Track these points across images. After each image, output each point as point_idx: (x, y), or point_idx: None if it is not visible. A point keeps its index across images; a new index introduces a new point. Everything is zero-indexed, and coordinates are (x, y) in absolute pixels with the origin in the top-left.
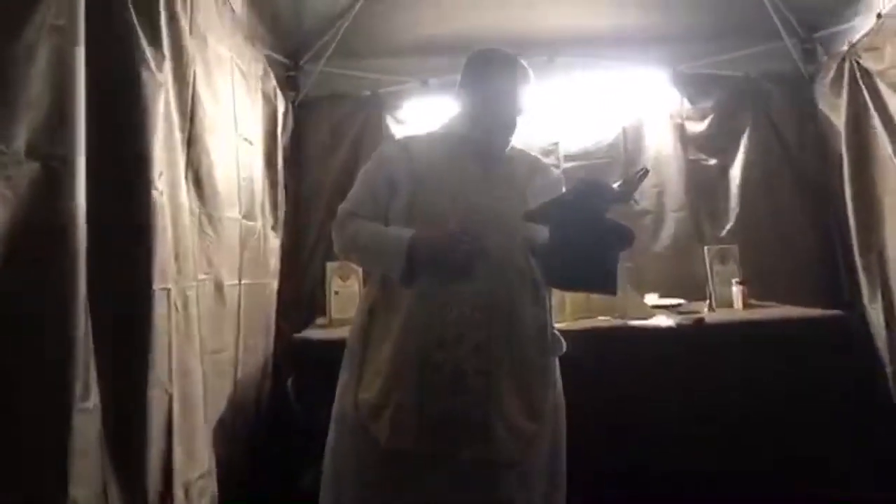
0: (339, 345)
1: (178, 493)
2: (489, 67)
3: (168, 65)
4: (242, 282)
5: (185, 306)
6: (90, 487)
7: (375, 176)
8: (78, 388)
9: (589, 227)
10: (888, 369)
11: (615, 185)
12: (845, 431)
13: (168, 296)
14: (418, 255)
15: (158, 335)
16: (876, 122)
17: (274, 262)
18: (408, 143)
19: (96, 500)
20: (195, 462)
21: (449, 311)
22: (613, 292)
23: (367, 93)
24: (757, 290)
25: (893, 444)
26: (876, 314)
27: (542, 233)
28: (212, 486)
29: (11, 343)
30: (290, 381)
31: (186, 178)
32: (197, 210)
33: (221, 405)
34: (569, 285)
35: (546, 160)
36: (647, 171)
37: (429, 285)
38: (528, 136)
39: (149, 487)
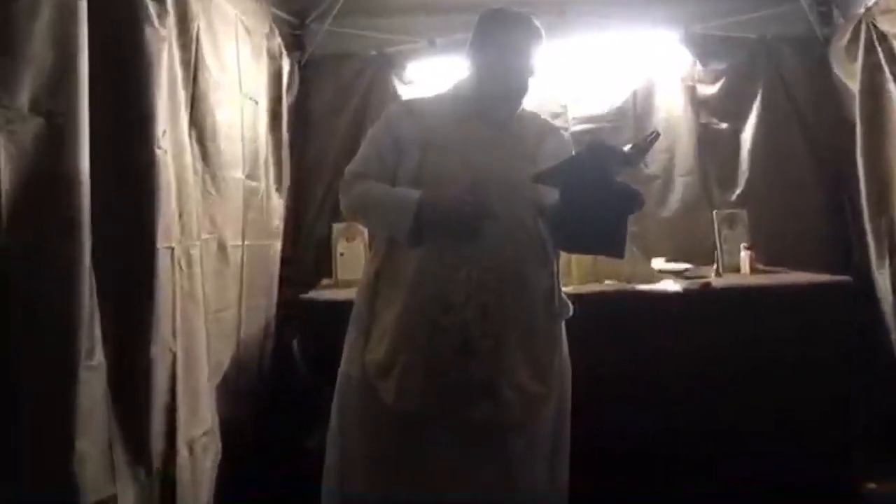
0: (345, 305)
1: (182, 450)
2: (501, 27)
3: (171, 19)
4: (245, 242)
5: (189, 265)
6: (96, 444)
7: (382, 137)
8: (84, 345)
9: (598, 189)
10: (893, 336)
11: (626, 148)
12: (850, 397)
13: (172, 255)
14: (426, 216)
15: (162, 294)
16: (891, 86)
17: (277, 222)
18: (416, 104)
19: (102, 457)
20: (199, 419)
21: (457, 273)
22: (621, 255)
23: (374, 52)
24: (765, 254)
25: None
26: (883, 280)
27: (551, 195)
28: (215, 443)
29: (17, 300)
30: (295, 342)
31: (190, 136)
32: (200, 169)
33: (224, 364)
34: (577, 248)
35: (555, 123)
36: (658, 135)
37: (436, 247)
38: (536, 98)
39: (152, 444)
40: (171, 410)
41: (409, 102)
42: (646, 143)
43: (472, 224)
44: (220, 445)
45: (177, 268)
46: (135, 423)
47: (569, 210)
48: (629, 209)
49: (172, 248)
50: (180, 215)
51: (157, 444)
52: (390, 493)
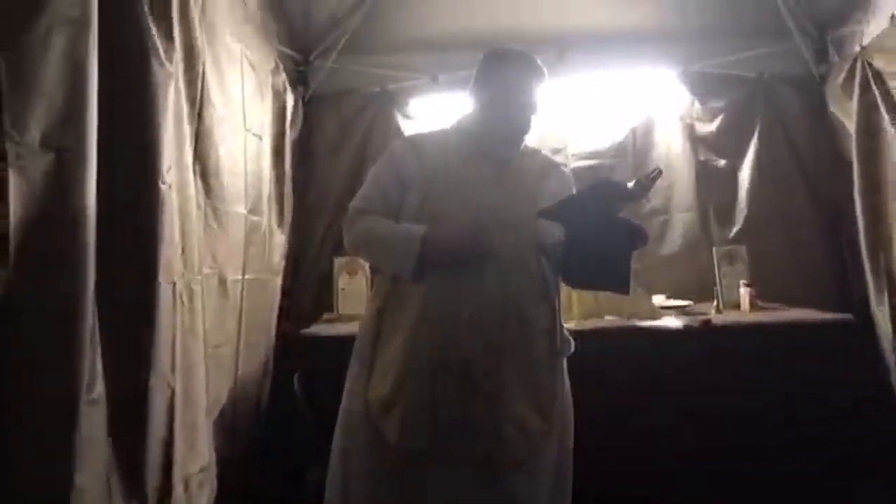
0: (346, 340)
1: (178, 486)
2: (504, 65)
3: (178, 56)
4: (245, 277)
5: (191, 300)
6: (96, 477)
7: (386, 175)
8: (85, 379)
9: (603, 226)
10: (893, 375)
11: (629, 185)
12: (849, 436)
13: (174, 289)
14: (429, 255)
15: (163, 329)
16: (887, 124)
17: (278, 258)
18: (419, 140)
19: (100, 490)
20: (196, 455)
21: (459, 310)
22: (626, 291)
23: (377, 89)
24: (765, 291)
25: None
26: (883, 318)
27: (553, 232)
28: (211, 480)
29: (21, 333)
30: (296, 377)
31: (194, 171)
32: (203, 204)
33: (222, 400)
34: (582, 284)
35: (555, 159)
36: (660, 172)
37: (439, 285)
38: (537, 134)
39: (148, 479)
40: (168, 445)
41: (413, 139)
42: (648, 179)
43: (473, 263)
44: (215, 484)
45: (178, 303)
46: (132, 457)
47: (574, 246)
48: (633, 244)
49: (174, 283)
50: (182, 250)
51: (153, 478)
52: None
